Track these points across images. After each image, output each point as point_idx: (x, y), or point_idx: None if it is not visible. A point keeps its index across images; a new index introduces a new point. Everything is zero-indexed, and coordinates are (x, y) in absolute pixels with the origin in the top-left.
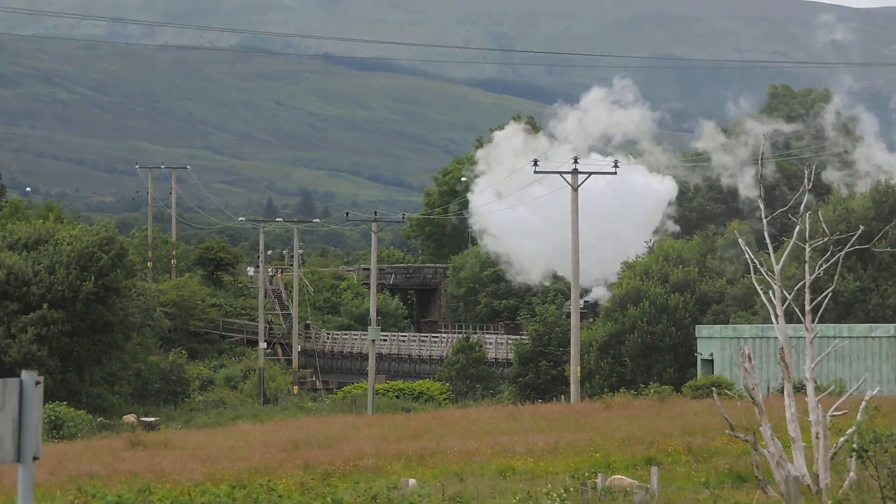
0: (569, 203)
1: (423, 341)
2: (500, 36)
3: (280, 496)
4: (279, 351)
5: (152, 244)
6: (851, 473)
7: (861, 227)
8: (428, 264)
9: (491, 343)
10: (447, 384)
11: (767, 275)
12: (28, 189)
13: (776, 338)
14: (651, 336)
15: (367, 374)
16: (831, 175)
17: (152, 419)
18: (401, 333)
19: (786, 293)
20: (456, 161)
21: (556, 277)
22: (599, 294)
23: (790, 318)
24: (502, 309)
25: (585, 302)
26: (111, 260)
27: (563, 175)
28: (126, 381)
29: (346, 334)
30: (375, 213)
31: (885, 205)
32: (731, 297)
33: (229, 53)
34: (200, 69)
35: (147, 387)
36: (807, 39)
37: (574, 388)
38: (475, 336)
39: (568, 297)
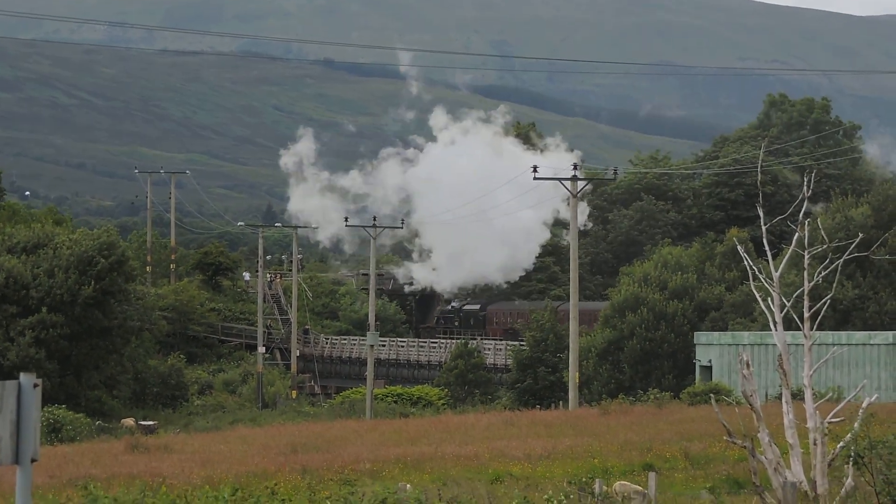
0: None
1: (421, 347)
2: (500, 43)
3: (283, 501)
4: (278, 356)
5: (151, 248)
6: (849, 480)
7: (860, 235)
8: None
9: (489, 349)
10: (445, 389)
11: (766, 282)
12: (27, 193)
13: (775, 345)
14: (650, 342)
15: (365, 379)
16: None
17: (151, 423)
18: (399, 339)
19: (784, 300)
20: None
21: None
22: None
23: (789, 325)
24: None
25: (452, 307)
26: (111, 265)
27: (563, 182)
28: (125, 384)
29: (344, 339)
30: (375, 218)
31: (884, 213)
32: (730, 304)
33: (230, 58)
34: (200, 74)
35: (145, 391)
36: (807, 48)
37: (572, 394)
38: (473, 342)
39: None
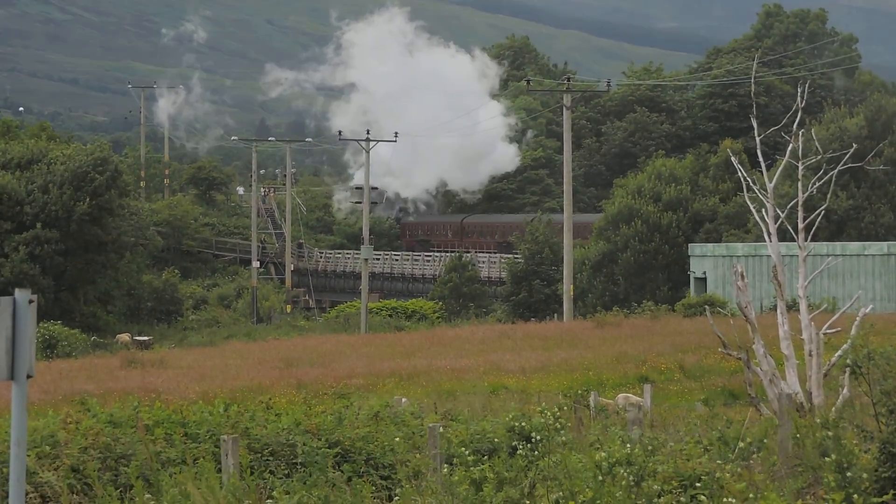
0: None
1: (415, 260)
2: None
3: (278, 415)
4: (272, 270)
5: (145, 164)
6: (844, 391)
7: (854, 146)
8: None
9: (484, 262)
10: (440, 303)
11: (760, 193)
12: (21, 109)
13: (769, 256)
14: (644, 255)
15: (359, 293)
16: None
17: (146, 338)
18: (394, 252)
19: (779, 211)
20: None
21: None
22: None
23: (783, 236)
24: None
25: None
26: (106, 180)
27: (555, 92)
28: (119, 300)
29: (338, 253)
30: (368, 131)
31: (877, 123)
32: (724, 216)
33: None
34: None
35: (140, 306)
36: None
37: (567, 306)
38: (468, 255)
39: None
